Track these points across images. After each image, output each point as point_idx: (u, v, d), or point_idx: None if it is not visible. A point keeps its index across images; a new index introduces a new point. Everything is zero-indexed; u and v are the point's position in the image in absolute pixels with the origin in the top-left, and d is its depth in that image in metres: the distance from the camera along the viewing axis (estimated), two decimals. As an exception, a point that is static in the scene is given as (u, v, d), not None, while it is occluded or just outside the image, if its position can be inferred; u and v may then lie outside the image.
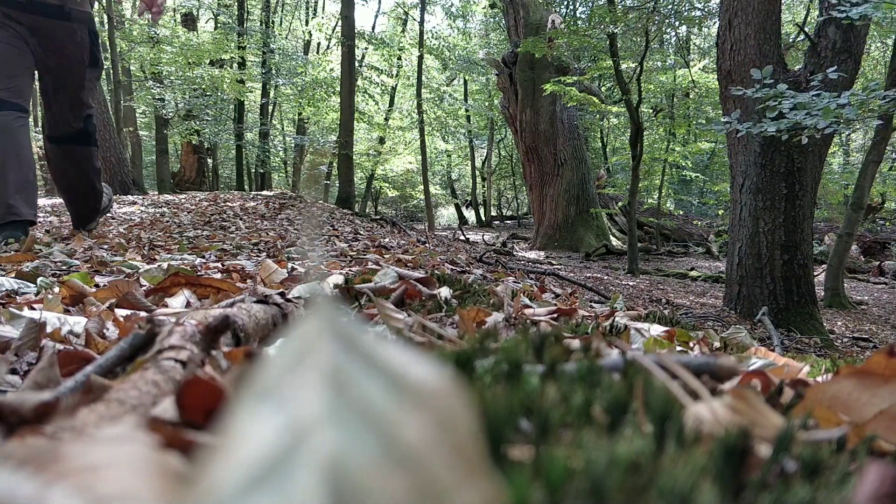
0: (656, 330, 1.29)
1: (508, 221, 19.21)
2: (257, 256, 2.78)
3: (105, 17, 10.95)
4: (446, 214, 23.81)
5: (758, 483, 0.34)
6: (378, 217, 10.47)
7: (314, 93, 15.72)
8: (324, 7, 21.70)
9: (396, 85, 19.16)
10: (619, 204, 11.15)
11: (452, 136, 21.29)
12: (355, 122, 12.69)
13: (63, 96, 3.03)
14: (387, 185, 20.63)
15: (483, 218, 19.36)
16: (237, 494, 0.20)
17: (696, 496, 0.30)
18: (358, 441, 0.21)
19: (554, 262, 8.74)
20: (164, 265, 1.95)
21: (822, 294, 6.81)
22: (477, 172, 20.68)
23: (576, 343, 0.61)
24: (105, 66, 9.77)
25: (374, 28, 21.55)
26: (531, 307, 1.52)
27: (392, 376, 0.25)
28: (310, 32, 19.35)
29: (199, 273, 1.76)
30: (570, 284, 4.58)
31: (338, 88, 12.48)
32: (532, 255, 10.06)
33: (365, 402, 0.23)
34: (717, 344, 1.39)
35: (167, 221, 5.10)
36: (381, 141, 18.85)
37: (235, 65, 14.33)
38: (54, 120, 3.05)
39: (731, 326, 1.83)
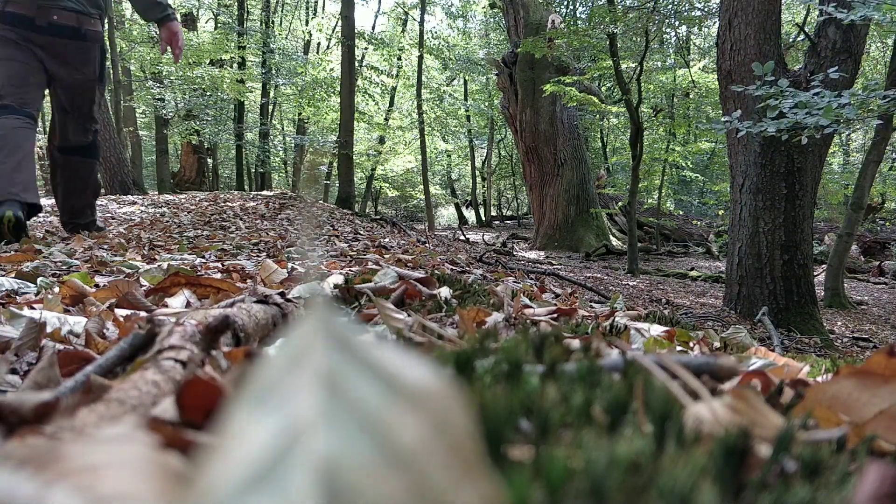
0: (656, 330, 1.29)
1: (508, 221, 19.21)
2: (257, 256, 2.78)
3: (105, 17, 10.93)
4: (446, 214, 23.81)
5: (758, 483, 0.34)
6: (378, 217, 10.47)
7: (314, 93, 15.72)
8: (324, 7, 21.71)
9: (396, 85, 19.16)
10: (619, 204, 11.15)
11: (452, 136, 21.28)
12: (355, 122, 12.69)
13: (75, 111, 3.24)
14: (387, 185, 20.63)
15: (483, 218, 19.36)
16: (234, 495, 0.20)
17: (696, 496, 0.30)
18: (353, 442, 0.21)
19: (554, 262, 8.74)
20: (164, 265, 1.95)
21: (822, 294, 6.81)
22: (477, 172, 20.68)
23: (576, 343, 0.61)
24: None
25: (374, 28, 21.56)
26: (531, 307, 1.52)
27: (388, 378, 0.25)
28: (310, 32, 19.35)
29: (199, 273, 1.76)
30: (570, 284, 4.58)
31: (338, 88, 12.48)
32: (532, 255, 10.06)
33: (360, 403, 0.23)
34: (717, 344, 1.39)
35: (167, 221, 5.10)
36: (381, 141, 18.85)
37: (235, 65, 14.32)
38: (65, 133, 3.25)
39: (731, 326, 1.83)
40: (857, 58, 4.87)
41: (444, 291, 1.51)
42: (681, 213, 15.27)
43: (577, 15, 14.89)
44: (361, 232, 5.65)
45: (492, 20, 19.21)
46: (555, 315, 1.42)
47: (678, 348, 1.18)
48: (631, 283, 6.76)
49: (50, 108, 3.44)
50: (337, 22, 16.90)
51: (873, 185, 8.55)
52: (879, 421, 0.50)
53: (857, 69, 4.97)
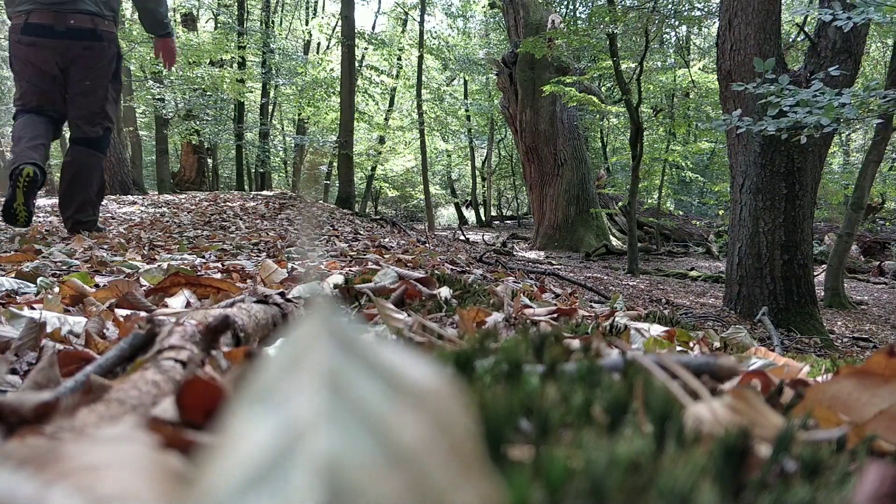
0: (656, 330, 1.29)
1: (508, 221, 19.21)
2: (257, 256, 2.78)
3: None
4: (446, 214, 23.80)
5: (758, 483, 0.34)
6: (378, 217, 10.47)
7: (314, 93, 15.70)
8: (324, 7, 21.70)
9: (397, 85, 19.16)
10: (619, 204, 11.14)
11: (452, 136, 21.28)
12: (355, 122, 12.68)
13: (87, 106, 3.44)
14: (387, 185, 20.62)
15: (483, 218, 19.35)
16: (235, 495, 0.20)
17: (696, 496, 0.30)
18: (354, 442, 0.21)
19: (554, 262, 8.74)
20: (164, 265, 1.95)
21: (822, 294, 6.81)
22: (477, 172, 20.68)
23: (576, 343, 0.61)
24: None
25: (374, 28, 21.56)
26: (531, 307, 1.52)
27: (388, 377, 0.25)
28: (310, 32, 19.34)
29: (199, 273, 1.76)
30: (570, 284, 4.58)
31: (338, 88, 12.47)
32: (532, 255, 10.06)
33: (361, 403, 0.23)
34: (717, 344, 1.39)
35: (167, 221, 5.10)
36: (381, 141, 18.85)
37: (235, 65, 14.32)
38: (76, 124, 3.46)
39: (731, 326, 1.83)
40: (857, 58, 4.87)
41: (444, 291, 1.51)
42: (681, 213, 15.26)
43: (577, 15, 14.89)
44: (361, 232, 5.65)
45: (492, 20, 19.20)
46: (555, 315, 1.42)
47: (678, 348, 1.18)
48: (631, 283, 6.76)
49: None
50: (337, 22, 16.89)
51: (873, 185, 8.55)
52: (879, 421, 0.50)
53: (857, 69, 4.97)
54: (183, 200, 7.52)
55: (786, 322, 4.77)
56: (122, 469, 0.29)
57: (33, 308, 1.11)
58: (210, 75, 12.96)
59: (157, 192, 11.34)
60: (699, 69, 12.37)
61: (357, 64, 14.68)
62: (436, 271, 2.00)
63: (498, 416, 0.35)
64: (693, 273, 8.62)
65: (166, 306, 1.25)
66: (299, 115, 17.78)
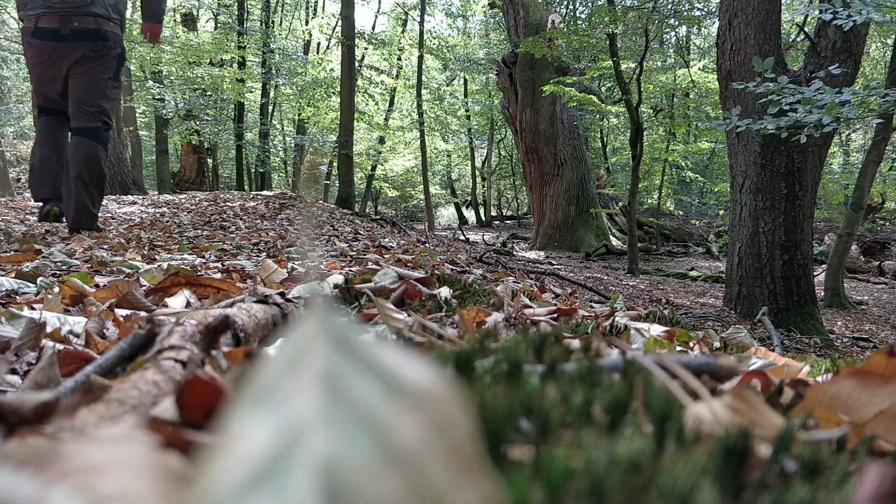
0: (656, 330, 1.29)
1: (508, 221, 19.20)
2: (257, 256, 2.78)
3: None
4: (446, 214, 23.80)
5: (758, 483, 0.34)
6: (378, 217, 10.47)
7: (314, 93, 15.69)
8: (324, 7, 21.70)
9: (397, 85, 19.15)
10: (619, 204, 11.15)
11: (452, 136, 21.28)
12: (355, 122, 12.68)
13: (85, 99, 3.56)
14: (387, 185, 20.61)
15: (483, 218, 19.35)
16: (234, 495, 0.20)
17: (696, 496, 0.30)
18: (353, 442, 0.21)
19: (554, 262, 8.74)
20: (164, 265, 1.95)
21: (822, 294, 6.81)
22: (477, 172, 20.67)
23: (576, 343, 0.61)
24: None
25: (374, 28, 21.55)
26: (531, 307, 1.52)
27: (388, 378, 0.25)
28: (310, 32, 19.33)
29: (199, 273, 1.76)
30: (570, 284, 4.58)
31: (338, 88, 12.46)
32: (532, 255, 10.06)
33: (360, 403, 0.23)
34: (717, 344, 1.39)
35: (167, 221, 5.10)
36: (381, 141, 18.84)
37: (235, 65, 14.31)
38: (76, 116, 3.59)
39: (731, 326, 1.83)
40: (857, 58, 4.87)
41: (444, 291, 1.51)
42: (681, 213, 15.26)
43: (577, 15, 14.89)
44: (361, 232, 5.65)
45: (492, 20, 19.21)
46: (555, 315, 1.42)
47: (678, 348, 1.18)
48: (631, 283, 6.76)
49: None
50: (337, 22, 16.88)
51: (873, 185, 8.55)
52: (879, 421, 0.50)
53: (857, 69, 4.97)
54: (183, 200, 7.52)
55: (786, 322, 4.77)
56: (122, 469, 0.29)
57: (33, 308, 1.11)
58: (210, 75, 12.96)
59: (157, 192, 11.33)
60: (699, 69, 12.37)
61: (357, 64, 14.69)
62: (436, 271, 2.00)
63: (498, 416, 0.35)
64: (693, 273, 8.62)
65: (166, 306, 1.25)
66: (299, 115, 17.78)
